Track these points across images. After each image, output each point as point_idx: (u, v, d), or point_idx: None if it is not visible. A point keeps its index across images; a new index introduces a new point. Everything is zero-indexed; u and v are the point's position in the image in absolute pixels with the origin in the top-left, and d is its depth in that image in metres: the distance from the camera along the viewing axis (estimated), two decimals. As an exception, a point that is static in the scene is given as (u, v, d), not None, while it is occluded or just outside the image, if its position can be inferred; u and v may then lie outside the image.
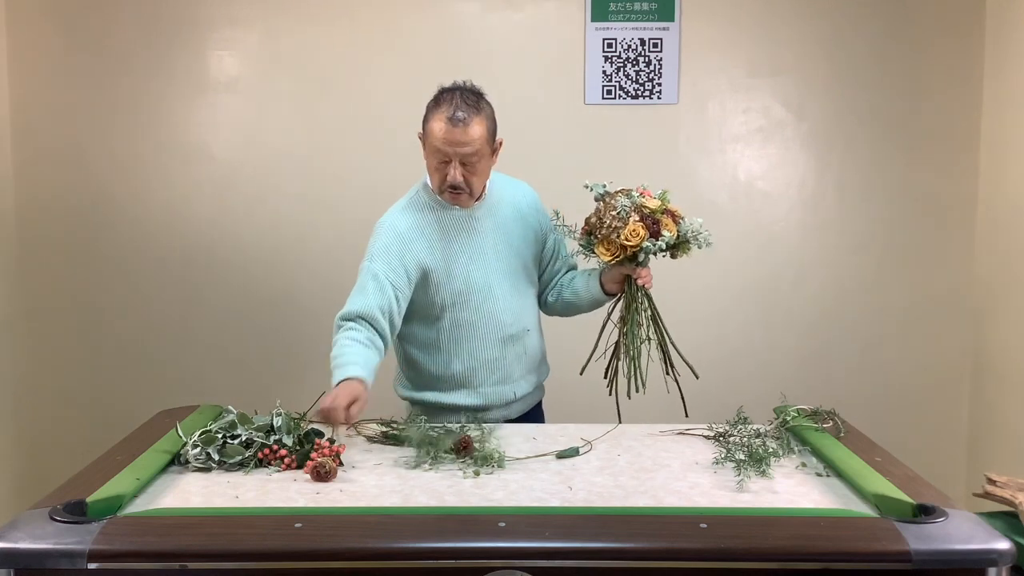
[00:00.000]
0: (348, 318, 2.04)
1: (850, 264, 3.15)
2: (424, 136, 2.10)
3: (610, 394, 2.17)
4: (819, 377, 3.14)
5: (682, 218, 2.08)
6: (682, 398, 2.18)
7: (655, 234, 2.02)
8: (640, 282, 2.12)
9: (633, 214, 2.04)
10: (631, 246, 2.03)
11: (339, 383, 1.90)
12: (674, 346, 2.17)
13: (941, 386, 3.18)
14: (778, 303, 3.17)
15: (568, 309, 2.33)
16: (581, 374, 2.21)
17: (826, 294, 3.16)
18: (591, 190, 2.12)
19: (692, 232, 2.06)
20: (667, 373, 2.16)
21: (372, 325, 2.04)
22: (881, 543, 1.36)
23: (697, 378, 2.19)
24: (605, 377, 2.18)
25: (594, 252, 2.10)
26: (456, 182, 2.06)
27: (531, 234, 2.26)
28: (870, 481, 1.60)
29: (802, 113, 3.11)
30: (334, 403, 1.82)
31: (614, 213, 2.04)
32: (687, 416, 2.15)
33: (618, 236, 2.03)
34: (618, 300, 2.19)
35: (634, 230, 2.02)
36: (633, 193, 2.07)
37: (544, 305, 2.36)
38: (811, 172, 3.14)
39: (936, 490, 1.58)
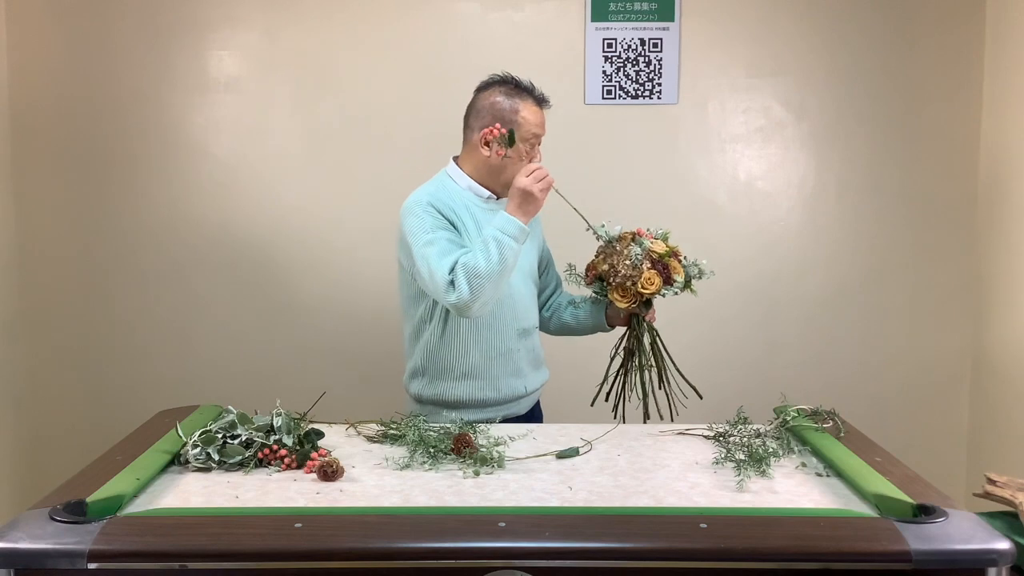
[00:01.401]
0: (455, 264, 2.01)
1: (850, 263, 3.15)
2: (510, 128, 2.12)
3: (615, 418, 2.20)
4: (819, 377, 3.14)
5: (684, 256, 2.16)
6: (670, 407, 2.23)
7: (668, 280, 2.10)
8: (648, 318, 2.21)
9: (646, 260, 2.10)
10: (648, 293, 2.10)
11: (509, 221, 2.01)
12: (679, 372, 2.23)
13: (941, 386, 3.18)
14: (778, 303, 3.17)
15: (563, 330, 2.41)
16: (592, 405, 2.25)
17: (826, 294, 3.16)
18: (596, 235, 2.16)
19: (697, 271, 2.15)
20: (659, 387, 2.23)
21: None
22: (881, 543, 1.36)
23: (701, 398, 2.22)
24: (607, 400, 2.24)
25: (607, 297, 2.16)
26: (540, 160, 2.17)
27: (533, 239, 2.31)
28: (870, 481, 1.60)
29: (802, 113, 3.11)
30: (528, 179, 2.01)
31: (628, 263, 2.09)
32: (672, 420, 2.20)
33: (634, 284, 2.09)
34: (624, 336, 2.26)
35: (649, 278, 2.09)
36: (644, 241, 2.13)
37: (540, 323, 2.41)
38: (811, 172, 3.14)
39: (936, 490, 1.58)
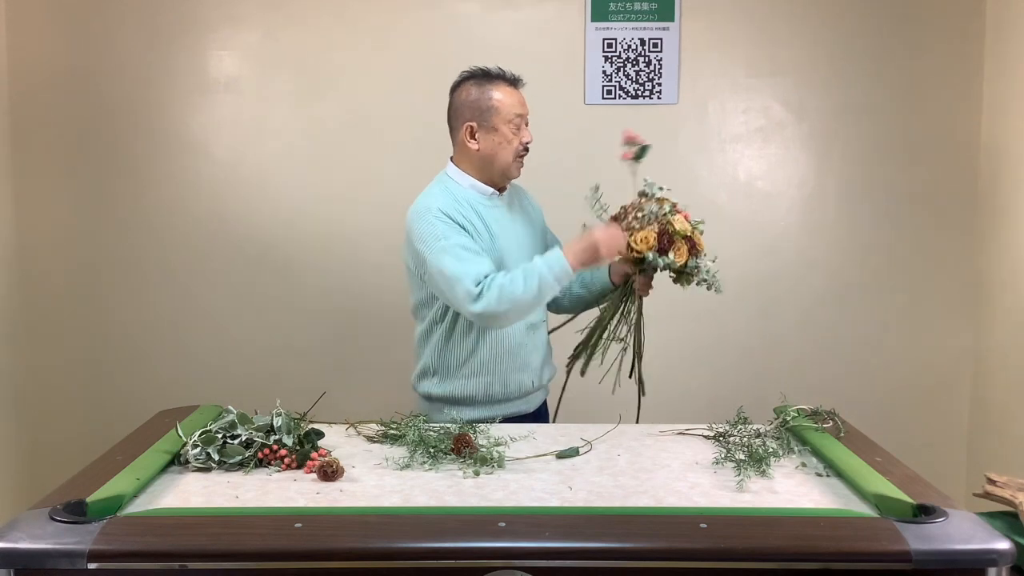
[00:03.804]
0: (482, 278, 2.04)
1: (850, 264, 3.15)
2: (488, 115, 2.15)
3: (567, 369, 2.25)
4: (819, 377, 3.14)
5: (703, 253, 2.10)
6: (638, 407, 2.23)
7: (663, 251, 2.06)
8: (636, 286, 2.18)
9: (655, 223, 2.07)
10: (635, 250, 2.07)
11: (559, 262, 2.04)
12: (638, 357, 2.21)
13: (941, 386, 3.18)
14: (778, 303, 3.17)
15: (576, 303, 2.39)
16: (568, 368, 2.26)
17: (826, 294, 3.16)
18: (643, 194, 2.13)
19: (703, 272, 2.09)
20: (629, 376, 2.23)
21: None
22: (881, 543, 1.36)
23: (644, 395, 2.23)
24: (578, 357, 2.26)
25: None
26: (531, 139, 2.19)
27: (536, 230, 2.34)
28: (870, 481, 1.60)
29: (802, 113, 3.11)
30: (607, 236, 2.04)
31: (640, 215, 2.07)
32: (637, 421, 2.19)
33: (631, 235, 2.07)
34: (615, 293, 2.24)
35: (645, 237, 2.06)
36: (667, 205, 2.09)
37: (553, 302, 2.38)
38: (811, 172, 3.14)
39: (936, 490, 1.59)
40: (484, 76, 2.19)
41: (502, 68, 2.20)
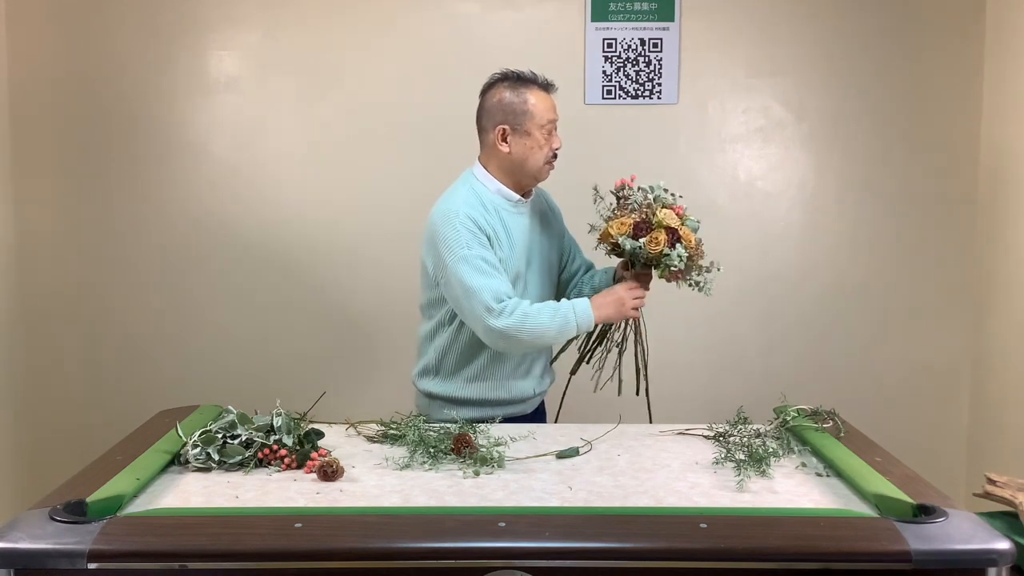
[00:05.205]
0: (504, 297, 2.05)
1: (850, 264, 3.15)
2: (522, 119, 2.13)
3: (570, 375, 2.31)
4: (819, 377, 3.14)
5: (692, 251, 2.07)
6: (648, 407, 2.25)
7: (635, 236, 2.06)
8: (626, 286, 2.16)
9: (637, 212, 2.08)
10: (611, 234, 2.09)
11: (586, 310, 2.07)
12: (641, 363, 2.23)
13: (941, 386, 3.18)
14: (778, 303, 3.17)
15: None
16: (573, 373, 2.29)
17: (826, 294, 3.16)
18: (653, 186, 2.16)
19: (674, 260, 2.04)
20: (636, 394, 2.24)
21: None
22: (881, 543, 1.36)
23: (636, 395, 2.24)
24: (587, 362, 2.28)
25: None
26: (560, 145, 2.18)
27: (555, 235, 2.34)
28: (870, 481, 1.60)
29: (802, 113, 3.11)
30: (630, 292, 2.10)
31: (628, 203, 2.10)
32: (651, 422, 2.19)
33: (611, 220, 2.10)
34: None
35: (623, 223, 2.07)
36: (655, 192, 2.10)
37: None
38: (811, 172, 3.14)
39: (936, 490, 1.59)
40: (518, 79, 2.17)
41: (535, 72, 2.19)
